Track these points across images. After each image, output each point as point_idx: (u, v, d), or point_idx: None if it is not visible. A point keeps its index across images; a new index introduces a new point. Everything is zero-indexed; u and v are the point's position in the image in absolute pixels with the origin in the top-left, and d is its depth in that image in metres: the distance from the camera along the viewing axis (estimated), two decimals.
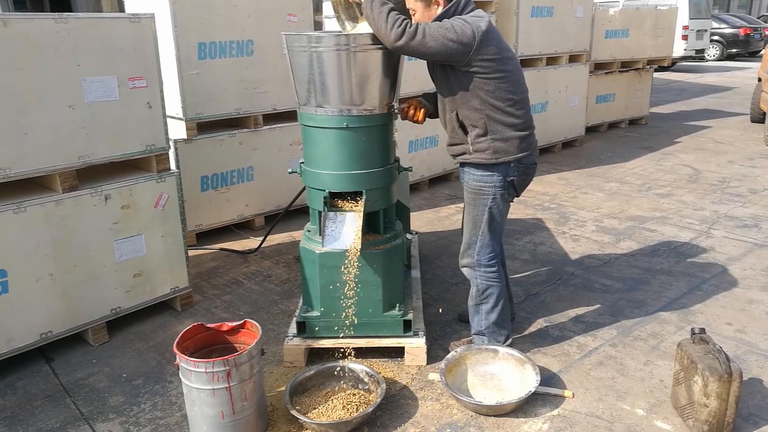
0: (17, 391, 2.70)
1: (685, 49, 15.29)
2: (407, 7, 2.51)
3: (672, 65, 15.92)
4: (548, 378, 2.71)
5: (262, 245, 4.21)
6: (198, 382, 2.19)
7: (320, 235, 2.63)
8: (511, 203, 2.73)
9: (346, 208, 2.67)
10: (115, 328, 3.18)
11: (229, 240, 4.46)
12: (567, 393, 2.59)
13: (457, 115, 2.55)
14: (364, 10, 2.39)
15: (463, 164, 2.67)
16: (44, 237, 2.76)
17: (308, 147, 2.70)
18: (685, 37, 15.10)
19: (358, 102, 2.51)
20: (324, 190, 2.65)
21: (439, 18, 2.42)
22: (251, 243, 4.37)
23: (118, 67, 2.85)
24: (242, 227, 4.66)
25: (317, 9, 5.45)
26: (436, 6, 2.45)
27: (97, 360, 2.95)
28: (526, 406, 2.51)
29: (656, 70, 13.22)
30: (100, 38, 2.77)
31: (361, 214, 2.60)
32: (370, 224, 2.80)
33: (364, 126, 2.56)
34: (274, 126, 4.53)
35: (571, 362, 2.85)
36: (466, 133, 2.56)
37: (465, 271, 2.81)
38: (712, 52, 18.23)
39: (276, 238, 4.42)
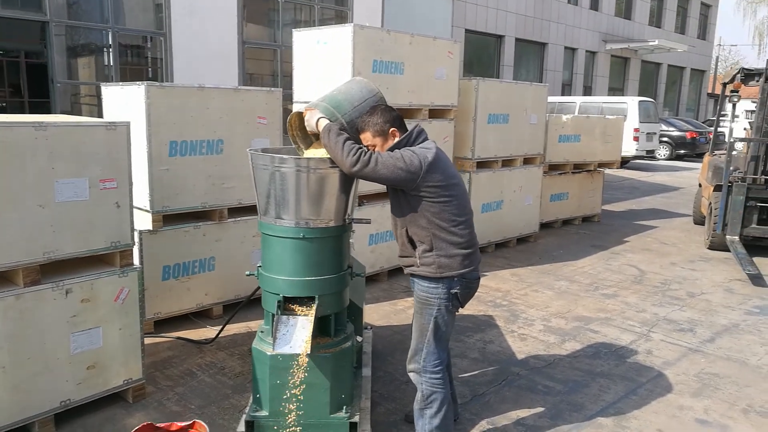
0: None
1: (636, 149, 16.32)
2: (365, 144, 2.78)
3: (626, 163, 16.90)
4: None
5: (219, 335, 4.27)
6: None
7: (273, 338, 2.76)
8: (456, 313, 2.93)
9: (299, 312, 2.82)
10: (62, 420, 3.18)
11: (187, 328, 4.51)
12: None
13: (406, 231, 2.78)
14: (322, 139, 2.65)
15: (412, 275, 2.89)
16: (0, 331, 2.82)
17: (266, 253, 2.88)
18: (636, 138, 16.16)
19: (314, 216, 2.73)
20: (278, 294, 2.80)
21: (392, 148, 2.70)
22: (208, 332, 4.44)
23: (90, 170, 3.03)
24: (200, 316, 4.73)
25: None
26: (393, 138, 2.74)
27: None
28: None
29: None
30: (76, 144, 2.96)
31: (313, 319, 2.76)
32: (321, 327, 2.94)
33: (320, 237, 2.77)
34: (238, 219, 4.71)
35: None
36: (414, 248, 2.79)
37: (411, 375, 2.95)
38: (663, 152, 19.46)
39: (232, 328, 4.49)
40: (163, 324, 4.50)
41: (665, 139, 19.31)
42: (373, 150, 2.73)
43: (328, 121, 2.69)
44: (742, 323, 5.04)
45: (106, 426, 3.21)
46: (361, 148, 2.60)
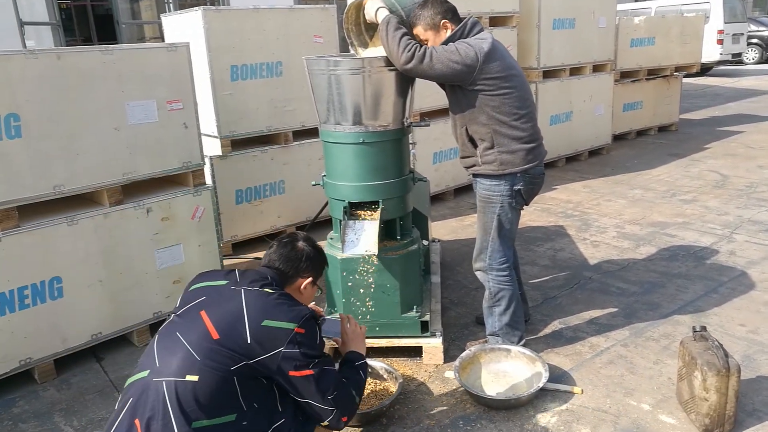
0: (72, 386, 2.99)
1: (720, 54, 15.05)
2: (420, 39, 2.70)
3: (708, 70, 15.70)
4: (559, 375, 2.85)
5: None
6: None
7: (341, 242, 2.84)
8: (521, 210, 2.90)
9: (365, 217, 2.88)
10: (156, 330, 3.44)
11: (263, 249, 4.70)
12: (576, 389, 2.72)
13: (466, 130, 2.73)
14: (380, 31, 2.60)
15: (474, 175, 2.86)
16: (94, 247, 3.06)
17: (329, 161, 2.93)
18: (720, 42, 14.88)
19: (373, 119, 2.72)
20: (344, 200, 2.86)
21: (446, 42, 2.62)
22: None
23: (157, 92, 3.15)
24: (275, 237, 4.91)
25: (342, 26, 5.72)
26: (445, 30, 2.65)
27: None
28: (536, 401, 2.66)
29: (691, 76, 13.05)
30: (142, 66, 3.07)
31: (378, 222, 2.80)
32: (387, 231, 3.00)
33: (379, 141, 2.77)
34: (303, 141, 4.79)
35: (582, 361, 2.97)
36: (475, 146, 2.74)
37: (478, 274, 2.98)
38: (751, 55, 17.87)
39: None
40: (240, 246, 4.73)
41: (754, 40, 17.66)
42: (427, 45, 2.67)
43: (388, 12, 2.63)
44: None
45: None
46: (417, 44, 2.54)
